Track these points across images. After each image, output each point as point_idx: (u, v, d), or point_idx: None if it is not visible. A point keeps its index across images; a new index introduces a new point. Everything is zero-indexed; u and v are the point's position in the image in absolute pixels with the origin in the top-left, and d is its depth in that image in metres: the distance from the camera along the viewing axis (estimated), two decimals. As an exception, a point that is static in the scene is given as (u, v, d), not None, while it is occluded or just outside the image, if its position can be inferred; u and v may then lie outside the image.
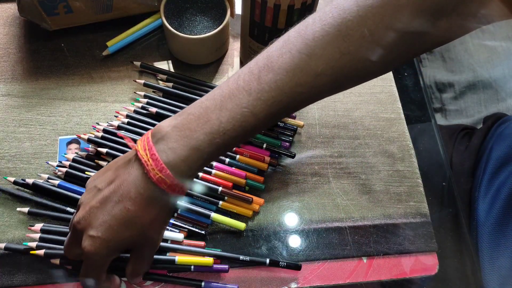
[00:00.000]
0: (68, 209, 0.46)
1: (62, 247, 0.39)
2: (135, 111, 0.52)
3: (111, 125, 0.50)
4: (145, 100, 0.52)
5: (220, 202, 0.47)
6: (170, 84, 0.54)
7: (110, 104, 0.54)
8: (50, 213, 0.46)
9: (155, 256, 0.43)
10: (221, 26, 0.51)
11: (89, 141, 0.49)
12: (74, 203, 0.46)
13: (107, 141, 0.49)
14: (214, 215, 0.46)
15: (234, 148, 0.50)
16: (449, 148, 0.63)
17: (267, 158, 0.50)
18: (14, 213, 0.47)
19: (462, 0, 0.31)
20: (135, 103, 0.53)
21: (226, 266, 0.44)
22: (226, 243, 0.47)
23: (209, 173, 0.48)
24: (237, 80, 0.34)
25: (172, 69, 0.57)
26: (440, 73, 0.89)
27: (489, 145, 0.59)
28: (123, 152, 0.48)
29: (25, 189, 0.48)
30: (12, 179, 0.47)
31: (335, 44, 0.32)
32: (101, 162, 0.48)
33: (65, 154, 0.49)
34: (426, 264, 0.47)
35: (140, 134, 0.50)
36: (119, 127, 0.50)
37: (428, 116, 0.57)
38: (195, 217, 0.47)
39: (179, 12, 0.53)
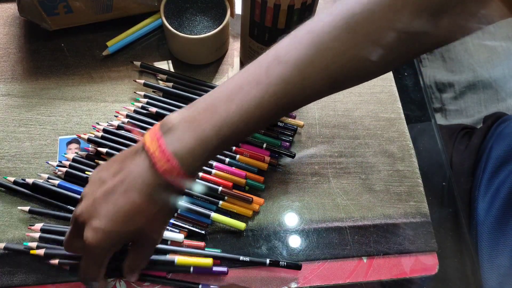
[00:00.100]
0: (69, 207, 0.46)
1: (62, 247, 0.38)
2: (135, 111, 0.52)
3: (111, 125, 0.50)
4: (145, 100, 0.52)
5: (220, 202, 0.47)
6: (170, 84, 0.54)
7: (110, 104, 0.54)
8: (51, 212, 0.46)
9: (155, 257, 0.43)
10: (221, 26, 0.51)
11: (89, 141, 0.49)
12: (74, 203, 0.46)
13: (107, 141, 0.49)
14: (214, 215, 0.46)
15: (234, 148, 0.50)
16: (449, 148, 0.63)
17: (267, 158, 0.50)
18: (14, 213, 0.47)
19: (462, 0, 0.31)
20: (135, 103, 0.53)
21: (225, 269, 0.44)
22: (226, 243, 0.47)
23: (209, 173, 0.48)
24: (245, 73, 0.34)
25: (172, 69, 0.57)
26: (440, 73, 0.89)
27: (489, 145, 0.59)
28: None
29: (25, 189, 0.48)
30: (12, 179, 0.47)
31: (343, 38, 0.32)
32: (101, 162, 0.48)
33: (65, 154, 0.49)
34: (426, 264, 0.47)
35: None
36: (119, 127, 0.50)
37: (428, 116, 0.57)
38: (195, 217, 0.47)
39: (179, 12, 0.53)
